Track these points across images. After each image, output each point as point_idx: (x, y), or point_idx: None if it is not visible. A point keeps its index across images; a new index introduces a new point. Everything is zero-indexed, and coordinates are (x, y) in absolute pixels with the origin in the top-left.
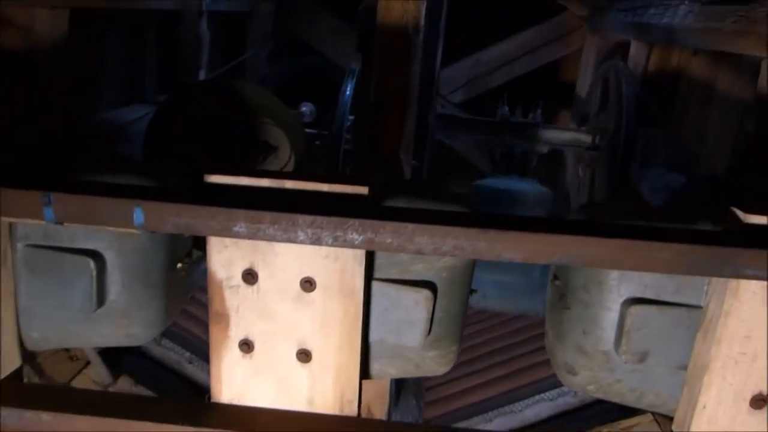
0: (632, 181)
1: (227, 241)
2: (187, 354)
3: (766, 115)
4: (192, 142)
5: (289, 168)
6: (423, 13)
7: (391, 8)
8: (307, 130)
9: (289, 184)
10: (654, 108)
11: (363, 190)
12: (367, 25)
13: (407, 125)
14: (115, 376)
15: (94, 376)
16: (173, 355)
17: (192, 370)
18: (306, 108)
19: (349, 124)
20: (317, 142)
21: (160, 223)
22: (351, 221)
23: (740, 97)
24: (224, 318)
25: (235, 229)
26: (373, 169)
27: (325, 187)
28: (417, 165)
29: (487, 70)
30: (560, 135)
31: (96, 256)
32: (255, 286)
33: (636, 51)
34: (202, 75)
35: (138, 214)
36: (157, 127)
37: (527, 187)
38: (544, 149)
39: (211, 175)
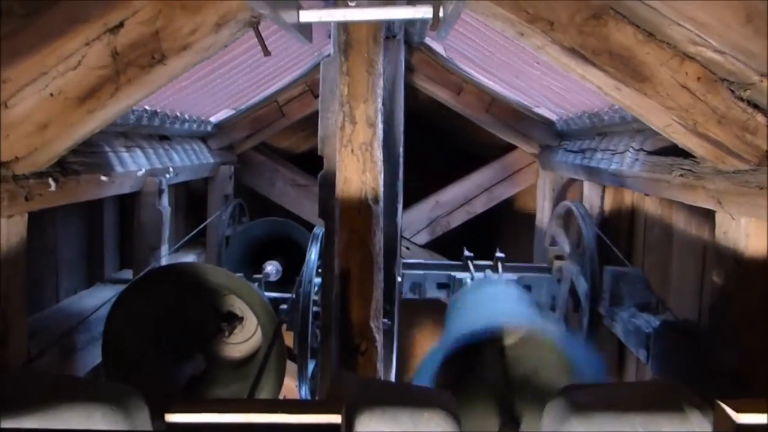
0: (606, 322)
1: None
2: None
3: (728, 266)
4: (154, 326)
5: (257, 337)
6: (381, 181)
7: (349, 181)
8: (274, 294)
9: (256, 418)
10: (614, 248)
11: (336, 418)
12: (326, 193)
13: (375, 294)
14: None
15: None
16: None
17: None
18: (271, 267)
19: (316, 289)
20: (284, 306)
21: None
22: None
23: (698, 237)
24: None
25: None
26: (343, 344)
27: (293, 419)
28: (388, 325)
29: (448, 211)
30: None
31: None
32: None
33: (590, 191)
34: (164, 250)
35: None
36: (116, 320)
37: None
38: None
39: (172, 414)
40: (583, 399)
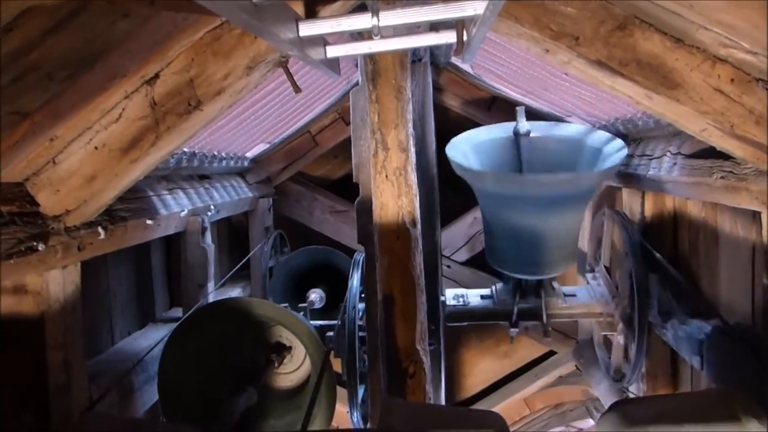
0: (656, 330)
1: None
2: None
3: None
4: (206, 362)
5: (306, 366)
6: (417, 204)
7: (385, 207)
8: (320, 322)
9: None
10: (658, 255)
11: None
12: (364, 219)
13: (419, 317)
14: None
15: None
16: None
17: None
18: (315, 295)
19: (361, 314)
20: (330, 333)
21: None
22: None
23: (746, 238)
24: None
25: None
26: (391, 369)
27: None
28: (434, 346)
29: None
30: (573, 310)
31: None
32: None
33: (629, 197)
34: (211, 286)
35: None
36: (169, 358)
37: None
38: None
39: None
40: (636, 413)
